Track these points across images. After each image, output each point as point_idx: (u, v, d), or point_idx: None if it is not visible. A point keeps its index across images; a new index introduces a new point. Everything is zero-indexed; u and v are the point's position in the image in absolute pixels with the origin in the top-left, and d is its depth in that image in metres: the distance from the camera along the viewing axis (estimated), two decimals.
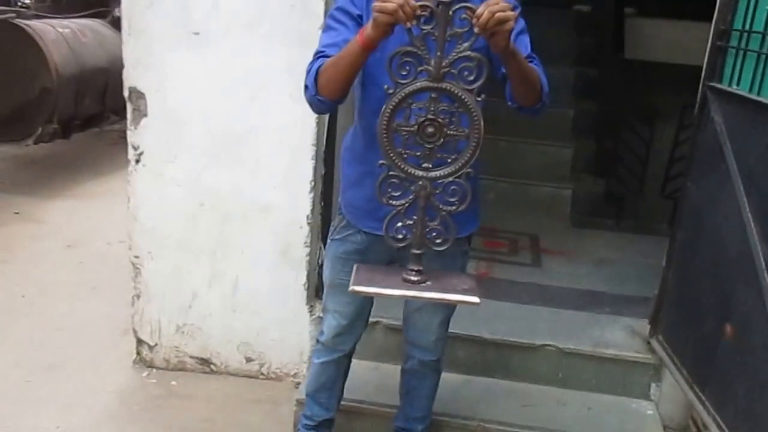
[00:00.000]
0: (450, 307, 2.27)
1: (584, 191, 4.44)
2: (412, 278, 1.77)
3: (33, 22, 5.10)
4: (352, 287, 1.80)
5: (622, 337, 2.90)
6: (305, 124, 2.78)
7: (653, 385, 2.80)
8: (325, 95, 1.87)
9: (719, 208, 2.36)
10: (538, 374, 2.84)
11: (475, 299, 1.77)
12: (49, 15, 5.56)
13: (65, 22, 5.44)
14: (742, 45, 2.34)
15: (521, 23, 1.91)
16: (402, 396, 2.48)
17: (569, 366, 2.82)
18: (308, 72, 1.91)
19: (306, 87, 1.93)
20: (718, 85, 2.47)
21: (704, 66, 2.56)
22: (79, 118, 5.36)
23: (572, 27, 5.52)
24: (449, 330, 2.35)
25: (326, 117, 2.83)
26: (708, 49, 2.54)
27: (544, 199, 4.39)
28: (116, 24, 5.83)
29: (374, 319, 2.61)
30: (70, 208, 4.94)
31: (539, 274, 3.50)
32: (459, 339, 2.77)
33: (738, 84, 2.36)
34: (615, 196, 4.56)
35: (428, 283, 1.78)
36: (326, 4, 2.66)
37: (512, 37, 1.70)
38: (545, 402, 2.75)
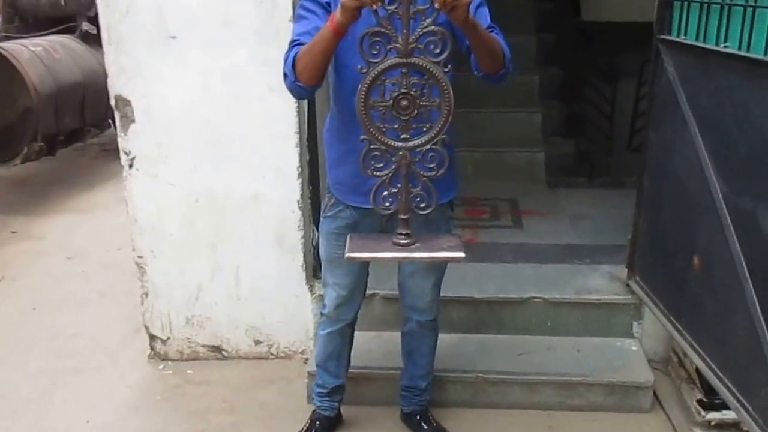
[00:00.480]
0: (440, 270, 2.46)
1: (556, 153, 4.65)
2: (402, 242, 1.89)
3: (5, 44, 5.20)
4: (347, 255, 1.93)
5: (602, 283, 3.11)
6: (287, 113, 2.92)
7: (635, 323, 3.01)
8: (303, 81, 2.00)
9: (679, 151, 2.54)
10: (528, 325, 3.04)
11: (461, 254, 1.90)
12: (19, 35, 5.65)
13: (36, 40, 5.53)
14: None
15: None
16: (404, 357, 2.67)
17: (556, 315, 3.02)
18: (285, 60, 2.04)
19: (285, 75, 2.06)
20: (668, 37, 2.64)
21: (654, 20, 2.72)
22: (61, 134, 5.47)
23: None
24: (443, 294, 2.54)
25: (306, 105, 2.98)
26: (656, 4, 2.71)
27: (519, 165, 4.58)
28: (85, 38, 5.97)
29: (371, 292, 2.78)
30: (65, 222, 5.07)
31: (521, 234, 3.72)
32: (452, 301, 2.95)
33: (686, 34, 2.53)
34: (586, 155, 4.77)
35: (417, 245, 1.90)
36: None
37: (471, 10, 1.83)
38: (537, 350, 2.96)
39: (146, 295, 3.22)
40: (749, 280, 2.08)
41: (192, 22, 2.86)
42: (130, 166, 3.06)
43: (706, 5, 2.38)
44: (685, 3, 2.53)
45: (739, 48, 2.16)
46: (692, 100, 2.45)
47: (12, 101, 5.08)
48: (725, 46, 2.24)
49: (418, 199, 1.87)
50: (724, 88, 2.24)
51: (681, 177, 2.53)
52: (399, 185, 1.86)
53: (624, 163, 4.33)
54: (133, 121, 2.99)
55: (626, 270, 3.04)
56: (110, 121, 6.12)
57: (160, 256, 3.16)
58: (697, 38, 2.45)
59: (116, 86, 2.97)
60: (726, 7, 2.25)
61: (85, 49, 5.81)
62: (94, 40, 5.84)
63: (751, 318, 2.06)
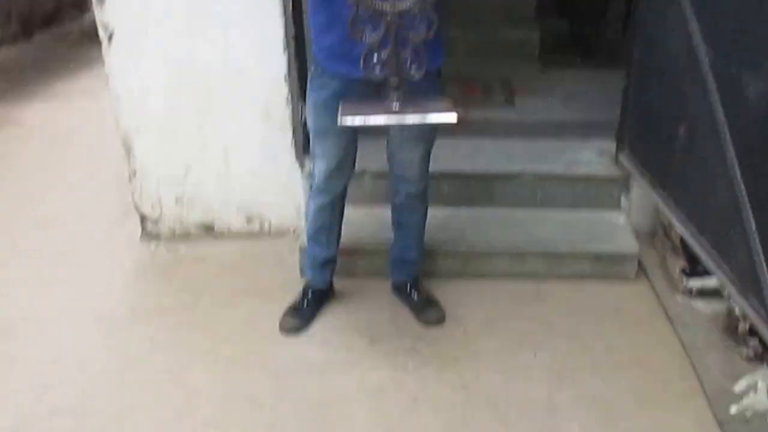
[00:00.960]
0: (429, 141, 2.47)
1: (550, 33, 4.58)
2: (394, 105, 1.89)
3: None
4: (340, 118, 1.93)
5: (592, 157, 3.15)
6: None
7: (623, 196, 3.07)
8: None
9: (668, 21, 2.54)
10: (518, 199, 3.09)
11: (453, 116, 1.91)
12: None
13: None
14: None
15: None
16: (395, 229, 2.72)
17: (546, 188, 3.08)
18: None
19: None
20: None
21: None
22: (37, 15, 5.31)
23: None
24: (434, 168, 2.56)
25: None
26: None
27: (512, 44, 4.52)
28: None
29: (361, 169, 2.76)
30: (47, 108, 5.00)
31: (513, 111, 3.73)
32: (443, 176, 2.97)
33: None
34: (580, 35, 4.70)
35: (409, 108, 1.90)
36: None
37: None
38: (527, 222, 3.03)
39: (134, 173, 3.23)
40: (731, 146, 2.14)
41: None
42: (110, 39, 3.00)
43: None
44: None
45: None
46: None
47: None
48: None
49: (408, 62, 1.85)
50: None
51: (670, 47, 2.55)
52: (388, 49, 1.83)
53: (618, 45, 4.26)
54: None
55: (615, 144, 3.07)
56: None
57: (145, 133, 3.15)
58: None
59: None
60: None
61: None
62: None
63: (732, 182, 2.12)
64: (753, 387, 2.20)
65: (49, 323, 2.76)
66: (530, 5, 4.70)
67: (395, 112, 1.91)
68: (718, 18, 2.21)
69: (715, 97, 2.20)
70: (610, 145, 3.12)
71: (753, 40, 2.03)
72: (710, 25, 2.26)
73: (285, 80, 3.01)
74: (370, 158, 2.75)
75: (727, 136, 2.14)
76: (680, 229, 2.49)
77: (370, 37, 1.83)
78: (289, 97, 3.05)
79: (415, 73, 1.87)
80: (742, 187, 2.07)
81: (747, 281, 2.07)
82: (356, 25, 1.83)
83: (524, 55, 4.46)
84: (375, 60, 1.85)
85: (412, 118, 1.95)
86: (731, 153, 2.13)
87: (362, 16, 1.81)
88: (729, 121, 2.15)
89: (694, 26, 2.33)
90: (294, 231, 3.26)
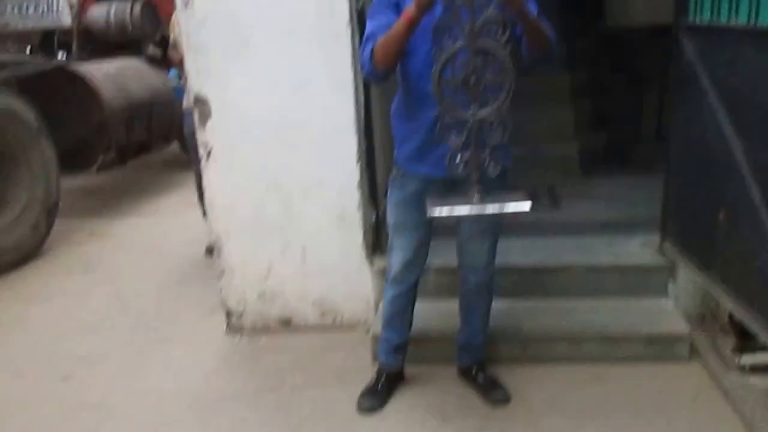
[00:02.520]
0: (496, 233, 2.66)
1: (589, 146, 4.79)
2: (475, 198, 2.10)
3: (82, 66, 5.55)
4: (429, 210, 2.12)
5: (636, 249, 3.29)
6: (345, 107, 3.16)
7: (669, 283, 3.16)
8: (381, 66, 2.27)
9: (701, 120, 2.74)
10: (570, 290, 3.21)
11: (528, 204, 2.12)
12: (92, 59, 6.00)
13: (108, 62, 5.89)
14: None
15: None
16: (462, 316, 2.85)
17: (596, 279, 3.19)
18: (362, 53, 2.32)
19: (362, 65, 2.35)
20: (685, 23, 2.86)
21: (673, 6, 2.93)
22: (131, 146, 5.78)
23: (557, 7, 5.89)
24: None
25: (363, 99, 3.21)
26: None
27: (554, 158, 4.70)
28: (151, 61, 6.32)
29: (426, 266, 2.97)
30: (137, 224, 5.36)
31: (559, 213, 3.90)
32: (500, 270, 3.03)
33: (701, 15, 2.74)
34: (617, 146, 4.92)
35: (488, 200, 2.11)
36: (350, 5, 3.04)
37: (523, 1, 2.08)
38: (580, 310, 3.12)
39: (223, 272, 3.45)
40: None
41: (262, 29, 3.12)
42: (208, 156, 3.31)
43: None
44: None
45: (748, 21, 2.37)
46: (710, 73, 2.67)
47: (88, 116, 5.42)
48: (735, 21, 2.45)
49: (486, 161, 2.08)
50: (738, 58, 2.46)
51: (704, 141, 2.72)
52: (470, 151, 2.07)
53: (654, 153, 4.45)
54: (209, 116, 3.24)
55: (659, 236, 3.20)
56: (175, 138, 6.42)
57: (234, 237, 3.40)
58: (711, 18, 2.65)
59: (196, 85, 3.23)
60: None
61: (151, 69, 6.15)
62: (158, 62, 6.20)
63: None
64: None
65: (145, 406, 2.92)
66: (569, 122, 4.95)
67: (477, 204, 2.10)
68: (748, 110, 2.39)
69: (750, 182, 2.36)
70: (653, 239, 3.25)
71: None
72: (740, 118, 2.44)
73: (357, 187, 3.26)
74: (434, 255, 2.93)
75: (765, 215, 2.27)
76: (728, 305, 2.57)
77: (455, 140, 2.07)
78: (361, 203, 3.28)
79: (493, 170, 2.10)
80: None
81: None
82: (443, 131, 2.08)
83: (565, 167, 4.66)
84: (458, 160, 2.08)
85: (491, 208, 2.13)
86: None
87: (448, 123, 2.07)
88: (765, 201, 2.28)
89: (725, 120, 2.53)
90: (364, 323, 3.40)
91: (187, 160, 4.77)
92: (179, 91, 4.34)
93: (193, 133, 3.67)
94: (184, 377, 3.12)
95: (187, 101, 3.90)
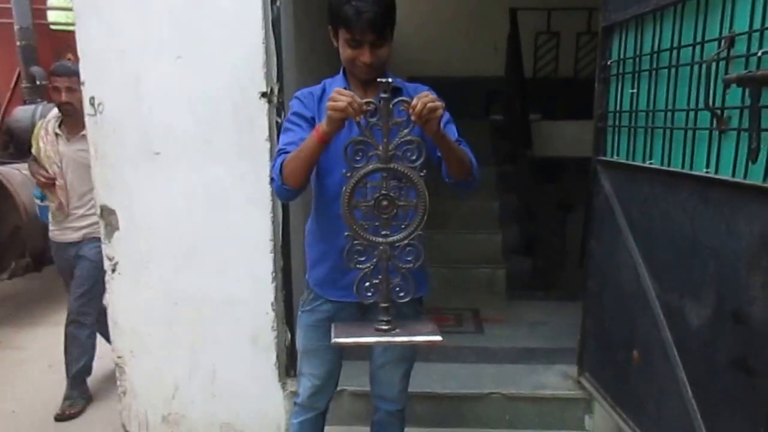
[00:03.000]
0: (410, 361, 2.51)
1: (515, 270, 4.81)
2: (384, 327, 1.96)
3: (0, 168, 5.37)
4: (334, 340, 1.98)
5: (556, 380, 3.18)
6: (262, 223, 3.04)
7: (587, 417, 3.05)
8: (290, 184, 2.13)
9: (616, 256, 2.70)
10: (488, 419, 3.07)
11: (438, 338, 1.97)
12: (12, 161, 5.82)
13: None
14: (616, 123, 2.77)
15: (447, 115, 2.19)
16: None
17: (514, 409, 3.06)
18: (273, 167, 2.19)
19: (272, 179, 2.19)
20: (603, 158, 2.87)
21: (592, 144, 2.96)
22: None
23: (489, 133, 6.09)
24: (409, 389, 2.56)
25: (280, 215, 3.11)
26: (593, 129, 2.95)
27: (481, 280, 4.71)
28: None
29: (340, 388, 2.79)
30: (47, 334, 5.01)
31: (482, 338, 3.80)
32: (417, 396, 2.97)
33: (617, 154, 2.77)
34: (542, 271, 4.94)
35: (397, 330, 1.98)
36: (269, 119, 2.96)
37: (441, 124, 2.01)
38: None
39: (124, 393, 3.20)
40: (681, 366, 2.19)
41: (174, 140, 2.98)
42: (113, 270, 3.13)
43: (633, 129, 2.62)
44: (616, 128, 2.78)
45: (661, 163, 2.38)
46: (625, 211, 2.64)
47: (2, 220, 5.19)
48: (650, 163, 2.46)
49: (397, 289, 1.96)
50: (651, 198, 2.43)
51: (619, 280, 2.67)
52: (380, 277, 1.95)
53: (577, 279, 4.47)
54: (117, 229, 3.09)
55: (576, 367, 3.12)
56: None
57: (139, 356, 3.18)
58: (627, 157, 2.67)
59: (102, 197, 3.08)
60: (649, 130, 2.48)
61: None
62: None
63: (684, 401, 2.15)
64: None
65: None
66: (497, 246, 4.97)
67: (384, 333, 1.97)
68: (659, 254, 2.35)
69: (662, 323, 2.30)
70: (573, 370, 3.16)
71: (690, 273, 2.14)
72: (653, 258, 2.41)
73: (272, 307, 3.11)
74: (350, 376, 2.78)
75: (677, 358, 2.20)
76: None
77: (364, 265, 1.95)
78: (275, 323, 3.12)
79: (404, 297, 1.97)
80: (695, 405, 2.09)
81: None
82: (351, 256, 1.96)
83: (492, 290, 4.65)
84: (367, 285, 1.96)
85: (400, 339, 1.99)
86: (681, 374, 2.18)
87: (357, 247, 1.95)
88: (677, 344, 2.22)
89: (638, 260, 2.49)
90: None
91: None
92: (44, 211, 3.85)
93: (70, 267, 3.61)
94: None
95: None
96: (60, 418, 3.60)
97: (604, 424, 2.98)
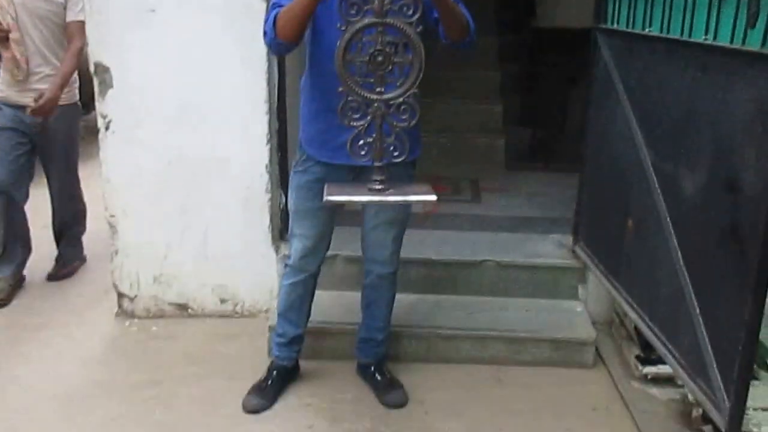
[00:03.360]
0: (401, 224, 2.44)
1: (515, 140, 4.64)
2: (377, 187, 1.88)
3: None
4: (326, 198, 1.90)
5: (551, 249, 3.09)
6: (257, 83, 2.89)
7: (580, 287, 2.99)
8: (282, 38, 2.02)
9: (614, 126, 2.59)
10: (481, 287, 3.00)
11: (433, 197, 1.90)
12: None
13: None
14: None
15: None
16: (363, 309, 2.62)
17: (507, 277, 2.99)
18: (266, 20, 2.07)
19: (265, 33, 2.08)
20: (604, 26, 2.72)
21: (593, 12, 2.79)
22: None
23: (492, 1, 5.71)
24: (403, 255, 2.52)
25: (276, 76, 2.94)
26: None
27: (480, 150, 4.54)
28: None
29: (333, 253, 2.72)
30: (43, 194, 4.89)
31: (479, 207, 3.70)
32: (411, 262, 2.88)
33: (618, 23, 2.61)
34: (542, 142, 4.77)
35: (391, 190, 1.89)
36: None
37: None
38: (489, 309, 2.92)
39: (116, 253, 3.13)
40: (673, 235, 2.13)
41: None
42: (107, 128, 3.00)
43: None
44: None
45: (660, 31, 2.25)
46: (624, 80, 2.52)
47: None
48: (649, 30, 2.34)
49: (391, 148, 1.87)
50: (650, 67, 2.33)
51: (617, 149, 2.58)
52: (374, 136, 1.85)
53: (577, 152, 4.31)
54: (111, 86, 2.94)
55: (571, 236, 3.03)
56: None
57: (131, 215, 3.08)
58: (627, 25, 2.53)
59: (96, 53, 2.93)
60: None
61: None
62: None
63: (676, 270, 2.09)
64: None
65: (13, 395, 2.58)
66: (497, 116, 4.77)
67: (378, 193, 1.89)
68: (656, 121, 2.27)
69: (657, 192, 2.22)
70: (568, 239, 3.08)
71: (686, 142, 2.07)
72: (650, 128, 2.31)
73: (266, 169, 2.98)
74: (343, 243, 2.72)
75: (670, 227, 2.13)
76: (632, 315, 2.41)
77: (358, 123, 1.84)
78: (269, 186, 3.01)
79: (398, 157, 1.88)
80: (686, 274, 2.04)
81: (694, 365, 1.98)
82: (345, 113, 1.85)
83: (491, 160, 4.49)
84: (361, 143, 1.86)
85: (393, 199, 1.92)
86: (674, 242, 2.12)
87: (351, 104, 1.84)
88: (670, 212, 2.15)
89: (636, 131, 2.39)
90: (266, 312, 3.12)
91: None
92: None
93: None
94: (60, 367, 2.78)
95: None
96: (52, 277, 3.55)
97: (597, 293, 2.93)
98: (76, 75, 3.33)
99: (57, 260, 3.62)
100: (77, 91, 3.44)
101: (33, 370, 2.74)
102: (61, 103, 3.23)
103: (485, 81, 4.97)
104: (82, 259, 3.73)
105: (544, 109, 4.91)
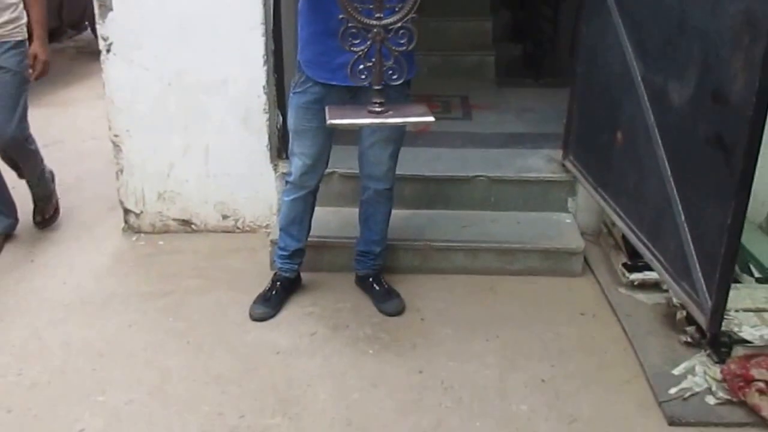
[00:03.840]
0: (397, 142, 2.46)
1: (505, 56, 4.59)
2: (377, 109, 1.89)
3: None
4: (329, 122, 1.92)
5: (541, 163, 3.11)
6: (254, 4, 2.85)
7: (570, 199, 3.03)
8: None
9: (605, 39, 2.56)
10: (473, 201, 3.04)
11: (431, 118, 1.94)
12: None
13: None
14: None
15: None
16: (361, 224, 2.66)
17: (498, 191, 3.03)
18: None
19: None
20: None
21: None
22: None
23: None
24: (397, 172, 2.54)
25: None
26: None
27: (471, 66, 4.50)
28: None
29: (330, 170, 2.73)
30: (41, 115, 4.78)
31: (470, 124, 3.69)
32: (405, 179, 2.90)
33: None
34: (532, 58, 4.71)
35: (390, 112, 1.91)
36: None
37: None
38: (481, 222, 2.97)
39: (121, 171, 3.14)
40: (660, 145, 2.16)
41: None
42: (108, 50, 2.96)
43: None
44: None
45: None
46: None
47: None
48: None
49: (390, 72, 1.87)
50: None
51: (607, 62, 2.57)
52: (373, 60, 1.85)
53: (567, 65, 4.26)
54: (110, 9, 2.90)
55: (561, 152, 3.05)
56: (87, 23, 5.82)
57: (134, 134, 3.08)
58: None
59: None
60: None
61: None
62: None
63: (662, 178, 2.13)
64: (690, 370, 2.18)
65: (33, 304, 2.65)
66: (487, 32, 4.69)
67: (378, 115, 1.91)
68: (647, 36, 2.26)
69: (645, 104, 2.23)
70: (558, 153, 3.10)
71: (675, 54, 2.07)
72: (640, 42, 2.30)
73: (264, 90, 2.97)
74: (340, 161, 2.73)
75: (658, 138, 2.16)
76: (620, 224, 2.47)
77: (358, 48, 1.84)
78: (267, 106, 3.00)
79: (397, 80, 1.88)
80: (672, 182, 2.08)
81: (679, 269, 2.05)
82: (345, 37, 1.85)
83: (481, 76, 4.45)
84: (361, 68, 1.86)
85: (394, 120, 1.95)
86: (661, 152, 2.15)
87: (351, 30, 1.83)
88: (658, 124, 2.17)
89: (626, 44, 2.38)
90: (266, 227, 3.17)
91: None
92: None
93: None
94: (73, 278, 2.84)
95: None
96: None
97: (586, 205, 2.98)
98: (23, 11, 2.85)
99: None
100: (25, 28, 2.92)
101: (50, 282, 2.80)
102: (11, 38, 2.82)
103: None
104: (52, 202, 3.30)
105: (533, 24, 4.82)
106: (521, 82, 4.41)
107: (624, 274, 2.67)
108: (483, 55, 4.52)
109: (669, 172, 2.09)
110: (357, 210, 2.66)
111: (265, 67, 2.94)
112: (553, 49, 4.58)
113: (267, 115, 3.01)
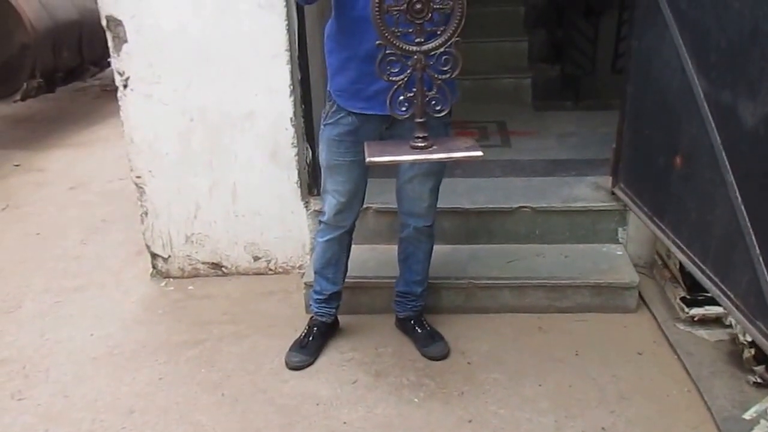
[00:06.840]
0: (438, 175, 2.38)
1: (542, 78, 4.53)
2: (420, 144, 1.82)
3: None
4: (368, 160, 1.84)
5: (588, 192, 3.03)
6: (276, 31, 2.80)
7: (620, 229, 2.94)
8: None
9: (660, 55, 2.46)
10: (517, 234, 2.97)
11: (479, 153, 1.83)
12: None
13: None
14: None
15: None
16: (401, 263, 2.60)
17: (544, 223, 2.95)
18: None
19: None
20: None
21: None
22: (60, 71, 5.28)
23: None
24: None
25: (296, 23, 2.85)
26: None
27: (506, 90, 4.46)
28: None
29: (365, 206, 2.68)
30: (66, 156, 4.94)
31: (509, 152, 3.63)
32: (444, 212, 2.82)
33: None
34: (571, 79, 4.65)
35: (434, 147, 1.83)
36: None
37: None
38: (526, 256, 2.89)
39: (146, 214, 3.12)
40: (729, 171, 2.04)
41: None
42: (125, 86, 2.94)
43: None
44: None
45: None
46: (672, 5, 2.36)
47: (9, 37, 4.88)
48: None
49: (432, 102, 1.80)
50: None
51: (663, 80, 2.46)
52: (414, 89, 1.78)
53: (608, 86, 4.20)
54: (125, 41, 2.86)
55: (611, 179, 2.97)
56: (109, 60, 5.91)
57: (158, 175, 3.06)
58: None
59: (107, 6, 2.84)
60: None
61: None
62: None
63: (732, 207, 2.02)
64: (763, 414, 2.06)
65: (59, 358, 2.63)
66: (523, 53, 4.65)
67: (422, 151, 1.83)
68: (710, 45, 2.13)
69: (711, 126, 2.11)
70: (605, 181, 3.02)
71: (748, 67, 1.93)
72: (702, 53, 2.18)
73: (291, 122, 2.93)
74: (375, 195, 2.67)
75: (726, 162, 2.04)
76: (680, 256, 2.36)
77: (397, 77, 1.77)
78: (295, 139, 2.96)
79: (440, 111, 1.82)
80: (744, 211, 1.97)
81: (753, 306, 1.93)
82: (383, 67, 1.78)
83: (518, 100, 4.41)
84: (401, 99, 1.79)
85: (438, 156, 1.86)
86: (730, 178, 2.03)
87: (389, 57, 1.76)
88: (726, 147, 2.05)
89: (685, 57, 2.26)
90: (299, 268, 3.13)
91: None
92: None
93: None
94: (102, 328, 2.82)
95: None
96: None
97: (639, 236, 2.89)
98: None
99: None
100: None
101: (76, 333, 2.78)
102: None
103: (509, 17, 4.84)
104: None
105: (571, 43, 4.77)
106: (560, 105, 4.35)
107: (683, 309, 2.57)
108: (519, 78, 4.47)
109: (740, 200, 1.98)
110: (394, 247, 2.61)
111: (292, 98, 2.89)
112: (593, 69, 4.51)
113: (296, 150, 2.97)
